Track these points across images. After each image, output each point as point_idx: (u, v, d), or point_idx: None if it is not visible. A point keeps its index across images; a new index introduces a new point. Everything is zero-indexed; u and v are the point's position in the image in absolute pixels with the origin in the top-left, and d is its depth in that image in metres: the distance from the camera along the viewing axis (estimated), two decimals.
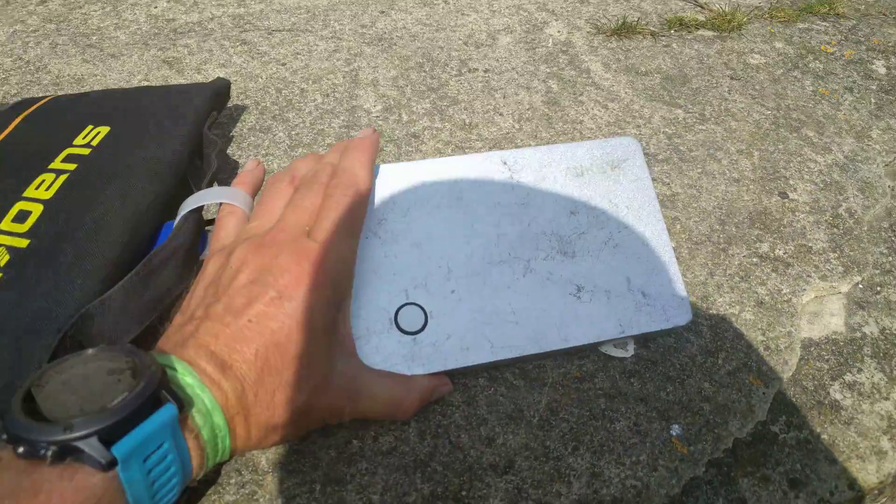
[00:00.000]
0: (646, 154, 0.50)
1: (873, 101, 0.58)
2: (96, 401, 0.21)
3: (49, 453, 0.20)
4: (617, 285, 0.35)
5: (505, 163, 0.36)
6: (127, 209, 0.37)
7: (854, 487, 0.32)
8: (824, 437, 0.34)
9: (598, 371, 0.35)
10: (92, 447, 0.20)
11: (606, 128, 0.52)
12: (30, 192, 0.38)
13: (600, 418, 0.33)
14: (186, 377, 0.24)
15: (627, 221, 0.36)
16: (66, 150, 0.41)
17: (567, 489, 0.30)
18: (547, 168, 0.37)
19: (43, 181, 0.38)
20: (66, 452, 0.20)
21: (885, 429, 0.35)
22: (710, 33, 0.66)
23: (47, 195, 0.37)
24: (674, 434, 0.33)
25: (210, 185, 0.40)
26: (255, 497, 0.29)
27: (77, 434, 0.20)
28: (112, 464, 0.21)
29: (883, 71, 0.63)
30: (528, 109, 0.53)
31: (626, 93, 0.56)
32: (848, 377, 0.37)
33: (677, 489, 0.30)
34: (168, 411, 0.22)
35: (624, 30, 0.64)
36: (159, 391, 0.22)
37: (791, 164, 0.50)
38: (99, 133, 0.42)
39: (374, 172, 0.34)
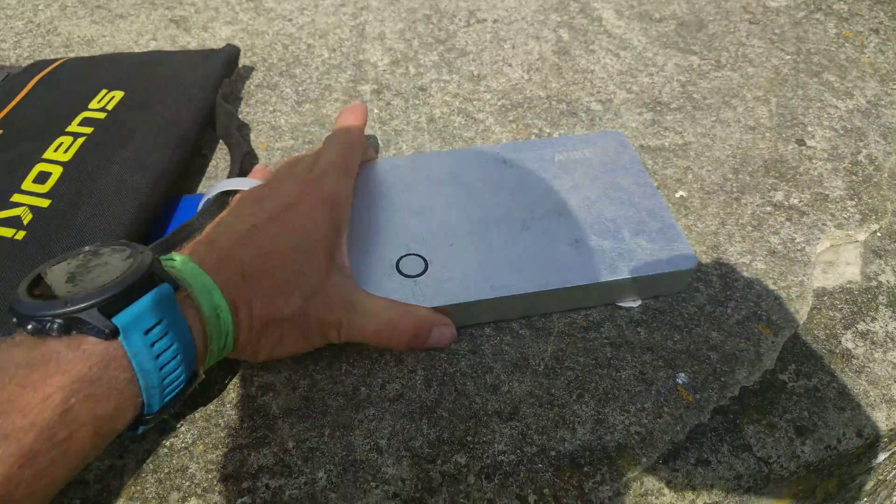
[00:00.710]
0: (658, 103, 0.48)
1: None
2: (94, 281, 0.23)
3: (55, 326, 0.21)
4: (616, 236, 0.35)
5: (498, 153, 0.40)
6: (141, 173, 0.38)
7: (862, 435, 0.32)
8: (834, 385, 0.34)
9: (605, 320, 0.35)
10: (93, 318, 0.22)
11: (618, 76, 0.50)
12: (49, 153, 0.38)
13: (606, 367, 0.33)
14: (187, 263, 0.26)
15: (620, 186, 0.38)
16: (83, 114, 0.41)
17: (571, 435, 0.30)
18: (538, 155, 0.40)
19: (61, 144, 0.39)
20: (71, 325, 0.22)
21: None
22: None
23: (66, 157, 0.38)
24: (679, 382, 0.33)
25: (241, 163, 0.41)
26: (266, 440, 0.30)
27: (78, 306, 0.22)
28: (114, 333, 0.22)
29: None
30: (537, 59, 0.52)
31: (639, 40, 0.54)
32: (861, 326, 0.36)
33: (682, 435, 0.31)
34: (163, 288, 0.24)
35: None
36: (153, 271, 0.24)
37: (810, 111, 0.48)
38: (113, 98, 0.43)
39: (364, 129, 0.38)
